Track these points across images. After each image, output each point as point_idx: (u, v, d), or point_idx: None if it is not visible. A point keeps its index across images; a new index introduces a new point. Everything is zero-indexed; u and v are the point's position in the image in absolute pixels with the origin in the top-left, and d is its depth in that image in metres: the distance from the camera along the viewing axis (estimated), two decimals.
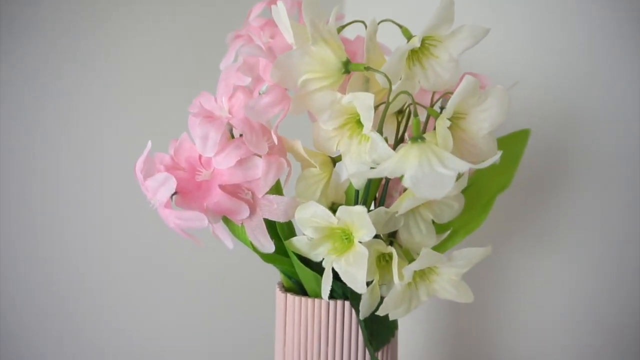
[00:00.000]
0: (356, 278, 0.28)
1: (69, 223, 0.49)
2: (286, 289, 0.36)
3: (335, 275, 0.32)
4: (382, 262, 0.32)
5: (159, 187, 0.28)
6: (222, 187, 0.30)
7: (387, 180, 0.34)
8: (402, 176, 0.31)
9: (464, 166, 0.25)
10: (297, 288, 0.36)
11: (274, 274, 0.42)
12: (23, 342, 0.48)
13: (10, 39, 0.45)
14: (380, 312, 0.29)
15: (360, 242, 0.29)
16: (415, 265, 0.28)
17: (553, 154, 0.53)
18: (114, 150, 0.50)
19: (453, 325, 0.65)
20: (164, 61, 0.54)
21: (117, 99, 0.51)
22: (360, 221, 0.28)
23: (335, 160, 0.33)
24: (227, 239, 0.33)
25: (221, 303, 0.60)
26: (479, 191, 0.35)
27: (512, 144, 0.37)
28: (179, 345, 0.57)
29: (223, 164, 0.28)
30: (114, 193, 0.51)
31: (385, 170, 0.26)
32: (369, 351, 0.32)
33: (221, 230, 0.33)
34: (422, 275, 0.31)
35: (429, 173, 0.25)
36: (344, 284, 0.33)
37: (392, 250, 0.30)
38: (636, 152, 0.47)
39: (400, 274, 0.28)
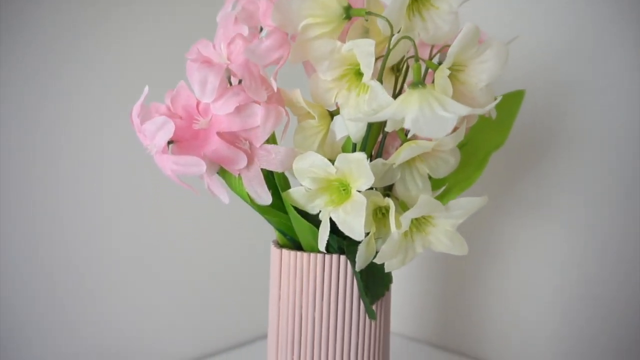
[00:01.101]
0: (354, 226, 0.28)
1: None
2: (281, 247, 0.36)
3: (331, 229, 0.32)
4: (378, 215, 0.32)
5: (157, 131, 0.27)
6: (220, 135, 0.29)
7: (384, 136, 0.34)
8: (400, 130, 0.32)
9: (464, 110, 0.25)
10: (291, 245, 0.36)
11: (268, 233, 0.43)
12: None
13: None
14: (377, 261, 0.29)
15: (358, 192, 0.29)
16: (413, 212, 0.28)
17: (545, 120, 0.54)
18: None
19: (443, 291, 0.66)
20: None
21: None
22: (359, 169, 0.28)
23: (332, 114, 0.33)
24: (223, 194, 0.33)
25: (216, 261, 0.62)
26: (474, 149, 0.36)
27: (507, 103, 0.37)
28: (174, 303, 0.58)
29: (222, 110, 0.28)
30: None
31: (386, 114, 0.26)
32: (365, 303, 0.32)
33: (217, 184, 0.33)
34: (418, 226, 0.31)
35: (430, 116, 0.25)
36: (340, 238, 0.34)
37: (388, 201, 0.30)
38: (629, 118, 0.48)
39: (397, 222, 0.28)
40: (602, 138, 0.52)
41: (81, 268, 0.51)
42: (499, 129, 0.37)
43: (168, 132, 0.27)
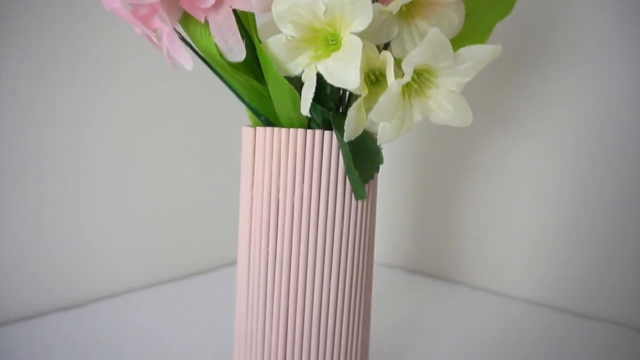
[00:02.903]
0: (347, 73, 0.23)
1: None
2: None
3: (315, 98, 0.27)
4: (371, 77, 0.27)
5: None
6: None
7: None
8: None
9: None
10: (266, 126, 0.31)
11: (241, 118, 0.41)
12: None
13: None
14: (372, 117, 0.25)
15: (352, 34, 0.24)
16: (418, 53, 0.23)
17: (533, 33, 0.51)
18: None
19: (421, 216, 0.64)
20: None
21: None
22: (354, 7, 0.23)
23: None
24: (185, 57, 0.27)
25: (185, 148, 0.60)
26: (478, 19, 0.31)
27: None
28: (142, 228, 0.55)
29: None
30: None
31: None
32: (352, 181, 0.28)
33: (178, 46, 0.27)
34: (418, 88, 0.27)
35: None
36: (325, 108, 0.29)
37: (385, 55, 0.26)
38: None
39: (397, 72, 0.24)
40: (595, 52, 0.50)
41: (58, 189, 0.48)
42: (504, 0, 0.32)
43: None
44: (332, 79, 0.24)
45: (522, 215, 0.56)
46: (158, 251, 0.58)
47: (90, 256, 0.51)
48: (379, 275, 0.49)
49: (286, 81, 0.27)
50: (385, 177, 0.62)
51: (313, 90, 0.25)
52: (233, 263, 0.66)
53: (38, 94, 0.46)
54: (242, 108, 0.58)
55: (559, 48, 0.52)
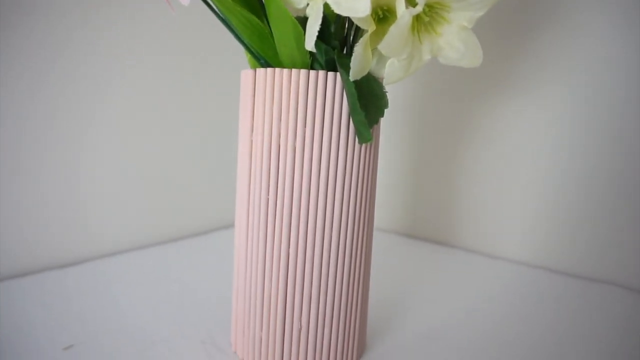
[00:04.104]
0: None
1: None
2: None
3: (318, 36, 0.26)
4: (378, 13, 0.26)
5: None
6: None
7: None
8: None
9: None
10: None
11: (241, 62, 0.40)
12: None
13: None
14: (381, 48, 0.23)
15: None
16: None
17: None
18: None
19: (418, 177, 0.63)
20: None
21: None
22: None
23: None
24: None
25: (180, 111, 0.59)
26: None
27: None
28: (138, 189, 0.54)
29: None
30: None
31: None
32: (356, 123, 0.27)
33: None
34: (428, 25, 0.25)
35: None
36: (329, 47, 0.28)
37: None
38: None
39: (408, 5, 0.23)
40: (593, 18, 0.48)
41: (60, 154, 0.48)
42: None
43: None
44: (340, 9, 0.23)
45: (517, 181, 0.56)
46: (151, 213, 0.57)
47: (85, 217, 0.50)
48: (375, 239, 0.48)
49: (290, 15, 0.25)
50: (381, 143, 0.61)
51: (319, 22, 0.24)
52: (226, 227, 0.65)
53: (35, 53, 0.43)
54: (237, 76, 0.57)
55: (559, 13, 0.51)
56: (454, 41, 0.25)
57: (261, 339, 0.31)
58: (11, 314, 0.36)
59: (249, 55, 0.31)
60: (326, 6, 0.24)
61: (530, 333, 0.38)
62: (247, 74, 0.30)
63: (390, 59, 0.25)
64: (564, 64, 0.51)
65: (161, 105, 0.56)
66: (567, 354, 0.35)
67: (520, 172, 0.55)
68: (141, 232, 0.56)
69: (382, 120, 0.30)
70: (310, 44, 0.25)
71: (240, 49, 0.49)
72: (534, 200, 0.55)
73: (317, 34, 0.25)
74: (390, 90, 0.29)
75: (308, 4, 0.25)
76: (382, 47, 0.23)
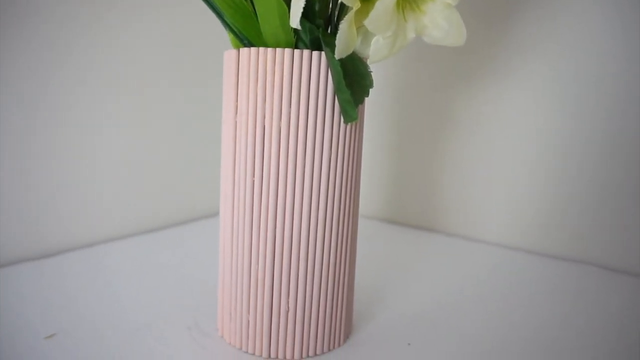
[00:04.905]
0: None
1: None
2: None
3: (303, 14, 0.26)
4: None
5: None
6: None
7: None
8: None
9: None
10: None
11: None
12: None
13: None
14: (367, 24, 0.23)
15: None
16: None
17: None
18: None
19: (399, 162, 0.64)
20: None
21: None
22: None
23: None
24: None
25: (165, 100, 0.59)
26: None
27: None
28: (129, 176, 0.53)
29: None
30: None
31: None
32: (341, 102, 0.27)
33: None
34: (412, 4, 0.25)
35: None
36: (314, 26, 0.27)
37: None
38: None
39: None
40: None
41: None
42: None
43: None
44: None
45: (496, 167, 0.57)
46: (134, 202, 0.56)
47: (67, 207, 0.49)
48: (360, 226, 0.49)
49: None
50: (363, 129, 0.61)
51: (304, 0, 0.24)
52: (211, 215, 0.65)
53: (30, 37, 0.42)
54: (219, 60, 0.56)
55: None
56: (438, 19, 0.26)
57: (248, 322, 0.30)
58: None
59: (232, 36, 0.30)
60: None
61: (511, 312, 0.39)
62: (230, 54, 0.29)
63: (375, 37, 0.25)
64: (548, 46, 0.52)
65: (141, 92, 0.55)
66: (547, 329, 0.36)
67: (500, 158, 0.56)
68: (124, 221, 0.55)
69: (363, 106, 0.31)
70: (295, 21, 0.24)
71: (221, 33, 0.48)
72: (512, 186, 0.56)
73: (302, 11, 0.24)
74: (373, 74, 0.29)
75: None
76: (368, 22, 0.23)
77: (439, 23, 0.26)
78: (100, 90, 0.50)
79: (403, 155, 0.64)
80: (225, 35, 0.47)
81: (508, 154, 0.56)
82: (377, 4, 0.22)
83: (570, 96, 0.51)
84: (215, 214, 0.65)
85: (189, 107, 0.61)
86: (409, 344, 0.33)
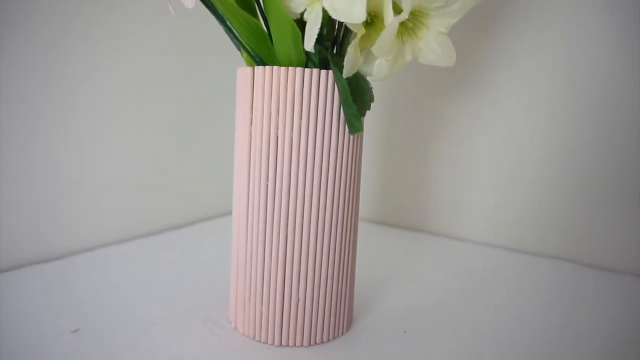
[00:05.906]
0: (354, 5, 0.25)
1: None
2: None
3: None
4: (367, 19, 0.30)
5: None
6: None
7: None
8: None
9: None
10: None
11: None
12: None
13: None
14: (374, 50, 0.27)
15: None
16: None
17: None
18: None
19: (385, 165, 0.67)
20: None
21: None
22: None
23: None
24: None
25: (176, 103, 0.61)
26: None
27: None
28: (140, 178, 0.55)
29: None
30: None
31: None
32: (347, 115, 0.30)
33: None
34: (410, 29, 0.29)
35: None
36: (323, 48, 0.31)
37: None
38: None
39: (396, 7, 0.26)
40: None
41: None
42: None
43: None
44: (336, 15, 0.26)
45: (479, 169, 0.61)
46: (147, 203, 0.58)
47: (84, 208, 0.51)
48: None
49: (289, 18, 0.28)
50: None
51: (319, 25, 0.27)
52: (221, 215, 0.67)
53: (28, 34, 0.44)
54: (228, 70, 0.58)
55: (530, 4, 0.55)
56: (432, 44, 0.29)
57: (262, 313, 0.34)
58: (14, 304, 0.38)
59: (245, 54, 0.34)
60: (323, 12, 0.27)
61: (496, 306, 0.43)
62: (244, 71, 0.32)
63: (378, 59, 0.28)
64: (541, 49, 0.55)
65: (143, 94, 0.57)
66: (530, 321, 0.40)
67: (487, 160, 0.60)
68: (136, 222, 0.57)
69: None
70: (309, 45, 0.28)
71: (229, 47, 0.51)
72: (495, 186, 0.60)
73: (318, 28, 0.28)
74: None
75: (305, 10, 0.29)
76: (375, 49, 0.27)
77: (433, 47, 0.29)
78: (104, 93, 0.53)
79: (388, 158, 0.68)
80: (225, 36, 0.49)
81: (495, 156, 0.60)
82: (382, 34, 0.26)
83: (556, 97, 0.55)
84: (220, 215, 0.68)
85: (191, 110, 0.63)
86: (404, 331, 0.36)
